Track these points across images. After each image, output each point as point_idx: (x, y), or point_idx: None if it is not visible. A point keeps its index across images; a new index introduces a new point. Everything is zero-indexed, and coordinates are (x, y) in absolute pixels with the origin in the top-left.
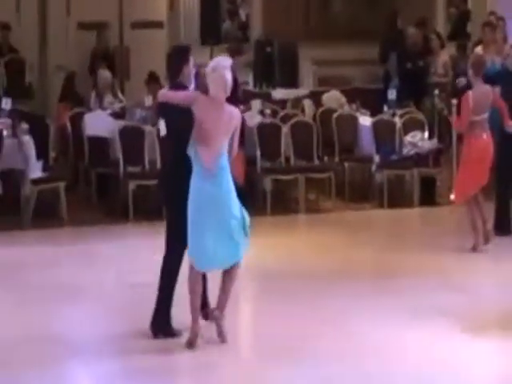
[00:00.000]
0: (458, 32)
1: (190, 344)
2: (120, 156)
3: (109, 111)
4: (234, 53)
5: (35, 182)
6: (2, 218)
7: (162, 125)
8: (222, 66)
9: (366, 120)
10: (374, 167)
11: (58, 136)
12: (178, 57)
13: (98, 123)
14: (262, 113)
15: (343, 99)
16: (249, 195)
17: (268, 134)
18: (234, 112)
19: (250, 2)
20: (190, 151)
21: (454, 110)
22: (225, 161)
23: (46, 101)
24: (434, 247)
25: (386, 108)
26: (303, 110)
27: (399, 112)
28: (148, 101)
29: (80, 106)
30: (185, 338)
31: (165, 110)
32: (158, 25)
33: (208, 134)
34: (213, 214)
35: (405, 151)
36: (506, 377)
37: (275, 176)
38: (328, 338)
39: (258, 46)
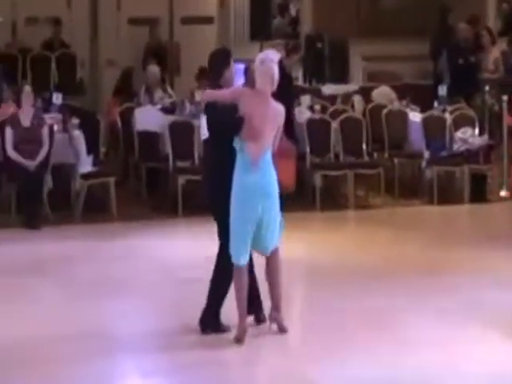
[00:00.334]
0: (510, 28)
1: (238, 340)
2: (170, 151)
3: (159, 106)
4: (290, 51)
5: (85, 176)
6: (53, 213)
7: (203, 123)
8: (269, 59)
9: (415, 116)
10: (423, 163)
11: (108, 131)
12: (219, 60)
13: (148, 118)
14: (311, 108)
15: (393, 95)
16: (298, 191)
17: (317, 130)
18: (279, 108)
19: None
20: (237, 144)
21: (504, 106)
22: (269, 155)
23: (97, 96)
24: (484, 244)
25: (436, 104)
26: (353, 106)
27: (449, 108)
28: (198, 96)
29: (130, 102)
30: (233, 333)
31: (209, 109)
32: (208, 20)
33: (256, 130)
34: (255, 204)
35: (455, 147)
36: None
37: (324, 172)
38: (375, 336)
39: (309, 42)
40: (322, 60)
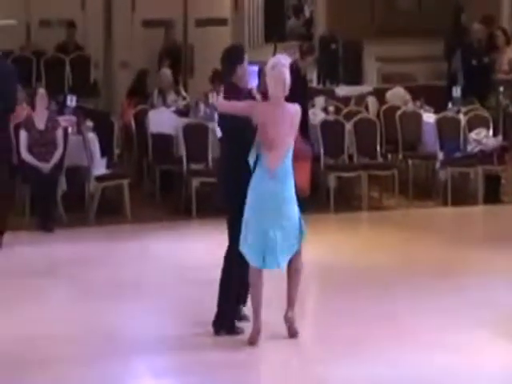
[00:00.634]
0: None
1: (252, 341)
2: (183, 153)
3: (173, 108)
4: (305, 53)
5: (99, 179)
6: (67, 215)
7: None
8: (281, 64)
9: (429, 117)
10: (437, 164)
11: (122, 133)
12: (231, 57)
13: (162, 120)
14: (325, 110)
15: (407, 96)
16: (312, 193)
17: (331, 131)
18: (294, 108)
19: None
20: (253, 155)
21: None
22: (289, 164)
23: (111, 98)
24: (498, 246)
25: (450, 105)
26: (367, 107)
27: (464, 109)
28: (212, 98)
29: (144, 103)
30: (247, 335)
31: (222, 115)
32: (222, 22)
33: (273, 140)
34: (271, 211)
35: (469, 148)
36: None
37: (338, 173)
38: (388, 337)
39: (323, 43)
40: (336, 61)
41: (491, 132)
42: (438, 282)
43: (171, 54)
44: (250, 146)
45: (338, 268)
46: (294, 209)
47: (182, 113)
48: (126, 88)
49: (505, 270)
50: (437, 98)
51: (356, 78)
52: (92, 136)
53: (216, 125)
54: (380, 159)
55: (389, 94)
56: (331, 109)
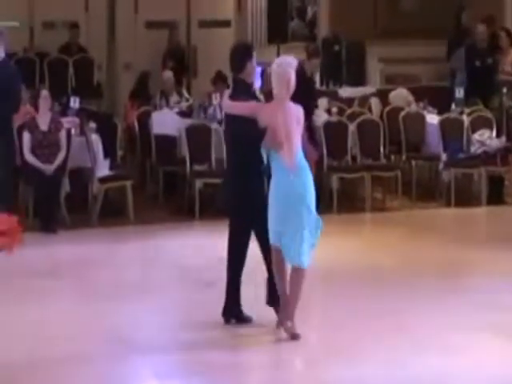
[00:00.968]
0: None
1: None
2: (187, 154)
3: (176, 110)
4: (311, 55)
5: (103, 180)
6: (70, 216)
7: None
8: (286, 63)
9: (433, 118)
10: (441, 166)
11: (125, 135)
12: (241, 53)
13: (165, 122)
14: (328, 111)
15: (410, 97)
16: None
17: (335, 133)
18: (297, 107)
19: (318, 0)
20: (265, 152)
21: None
22: (302, 158)
23: (114, 100)
24: (501, 247)
25: (453, 106)
26: (370, 109)
27: (467, 110)
28: (216, 99)
29: (147, 105)
30: (249, 330)
31: (229, 115)
32: (225, 24)
33: (283, 137)
34: (292, 204)
35: (472, 149)
36: None
37: (341, 174)
38: (391, 338)
39: (326, 45)
40: (339, 62)
41: (494, 133)
42: (440, 283)
43: (175, 55)
44: (255, 146)
45: (340, 269)
46: (312, 203)
47: (185, 114)
48: (130, 90)
49: (508, 271)
50: (440, 99)
51: (359, 79)
52: (95, 137)
53: (220, 126)
54: (383, 160)
55: (392, 95)
56: (334, 110)
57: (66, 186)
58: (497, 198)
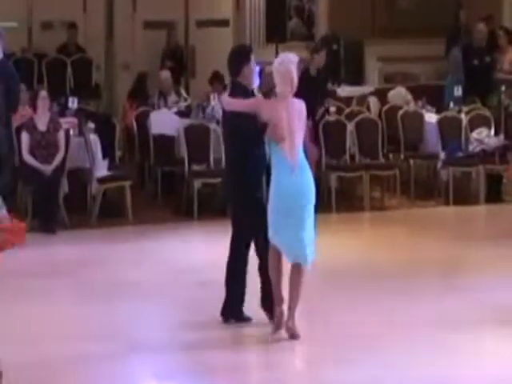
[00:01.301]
0: None
1: (277, 327)
2: (185, 154)
3: (174, 110)
4: (316, 50)
5: (101, 180)
6: (69, 217)
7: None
8: (288, 60)
9: (431, 117)
10: (439, 164)
11: (124, 135)
12: (239, 56)
13: (164, 122)
14: (327, 110)
15: (409, 96)
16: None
17: (333, 132)
18: (299, 103)
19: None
20: (268, 149)
21: None
22: (303, 155)
23: (113, 100)
24: (500, 245)
25: (451, 105)
26: (368, 108)
27: (465, 109)
28: (214, 99)
29: (145, 105)
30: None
31: (228, 113)
32: (223, 23)
33: (285, 133)
34: (294, 202)
35: (471, 148)
36: None
37: (340, 173)
38: (390, 337)
39: (324, 44)
40: (337, 61)
41: (493, 131)
42: (439, 281)
43: (173, 55)
44: (254, 143)
45: (339, 267)
46: (313, 199)
47: (184, 114)
48: (128, 90)
49: (506, 269)
50: (439, 98)
51: (357, 79)
52: (94, 138)
53: (217, 125)
54: (382, 159)
55: (390, 94)
56: (333, 109)
57: (64, 187)
58: (495, 196)
